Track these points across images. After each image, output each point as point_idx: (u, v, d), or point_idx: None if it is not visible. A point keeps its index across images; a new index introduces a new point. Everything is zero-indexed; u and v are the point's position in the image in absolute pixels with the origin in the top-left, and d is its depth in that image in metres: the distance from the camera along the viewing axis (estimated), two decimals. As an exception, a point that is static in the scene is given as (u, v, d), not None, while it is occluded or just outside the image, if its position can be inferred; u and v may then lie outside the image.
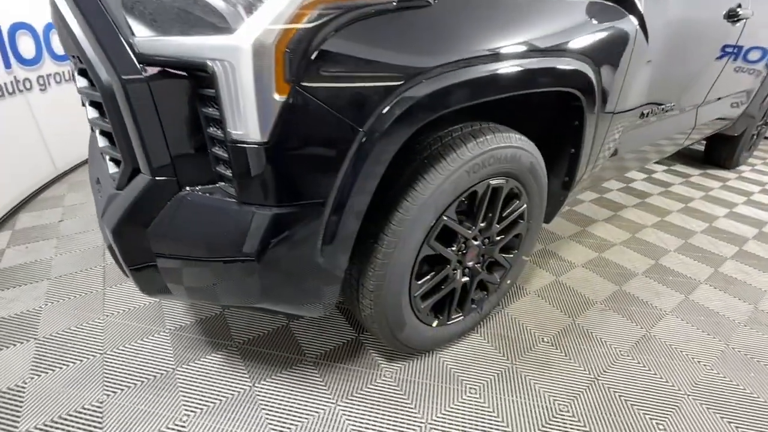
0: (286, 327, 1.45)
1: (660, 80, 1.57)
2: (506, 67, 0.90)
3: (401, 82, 0.77)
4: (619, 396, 1.25)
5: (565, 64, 1.06)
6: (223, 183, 0.83)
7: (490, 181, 1.12)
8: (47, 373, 1.24)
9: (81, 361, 1.28)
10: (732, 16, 1.78)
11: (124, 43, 0.74)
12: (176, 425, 1.10)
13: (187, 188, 0.85)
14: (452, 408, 1.18)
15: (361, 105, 0.75)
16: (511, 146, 1.10)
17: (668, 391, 1.27)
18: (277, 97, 0.69)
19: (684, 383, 1.30)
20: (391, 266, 1.01)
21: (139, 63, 0.73)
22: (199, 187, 0.84)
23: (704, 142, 3.44)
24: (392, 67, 0.76)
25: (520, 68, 0.94)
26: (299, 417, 1.13)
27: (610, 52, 1.21)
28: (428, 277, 1.15)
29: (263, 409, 1.15)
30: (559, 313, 1.58)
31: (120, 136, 0.82)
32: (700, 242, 2.18)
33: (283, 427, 1.10)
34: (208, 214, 0.82)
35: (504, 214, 1.27)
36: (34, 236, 1.97)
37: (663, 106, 1.74)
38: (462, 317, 1.35)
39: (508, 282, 1.46)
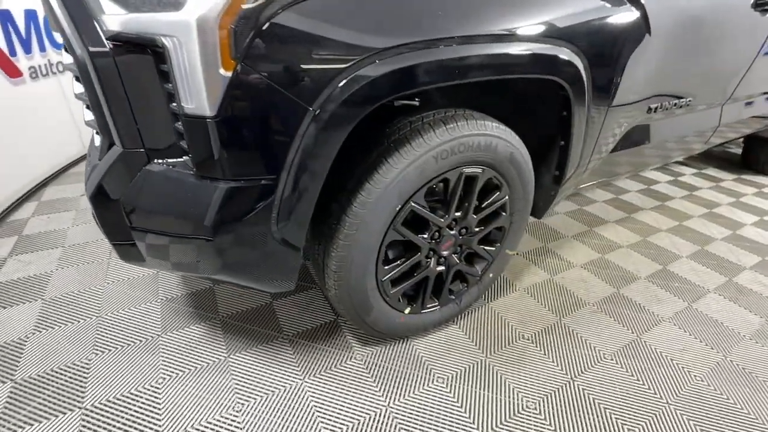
0: (269, 305, 1.50)
1: (670, 74, 1.48)
2: (471, 51, 0.89)
3: (352, 62, 0.78)
4: (594, 399, 1.20)
5: (545, 50, 1.02)
6: (186, 157, 0.88)
7: (464, 170, 1.11)
8: (47, 330, 1.35)
9: (78, 322, 1.39)
10: (762, 5, 1.64)
11: (95, 20, 0.79)
12: (151, 386, 1.17)
13: (156, 161, 0.90)
14: (416, 395, 1.19)
15: (309, 84, 0.76)
16: (486, 134, 1.08)
17: (649, 399, 1.21)
18: (223, 72, 0.71)
19: (667, 392, 1.24)
20: (354, 248, 1.02)
21: (107, 39, 0.77)
22: (168, 160, 0.89)
23: (742, 144, 3.20)
24: (343, 46, 0.77)
25: (488, 52, 0.92)
26: (266, 388, 1.17)
27: (602, 41, 1.15)
28: (397, 262, 1.16)
29: (234, 378, 1.20)
30: (546, 312, 1.54)
31: (96, 109, 0.87)
32: (719, 250, 2.04)
33: (250, 395, 1.15)
34: (170, 187, 0.87)
35: (483, 205, 1.25)
36: (56, 207, 2.13)
37: (676, 102, 1.63)
38: (438, 307, 1.35)
39: (491, 275, 1.43)
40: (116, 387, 1.16)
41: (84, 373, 1.20)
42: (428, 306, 1.32)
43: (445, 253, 1.24)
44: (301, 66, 0.75)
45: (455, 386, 1.22)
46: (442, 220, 1.16)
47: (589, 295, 1.65)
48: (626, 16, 1.19)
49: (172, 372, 1.22)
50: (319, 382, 1.21)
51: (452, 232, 1.23)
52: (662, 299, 1.65)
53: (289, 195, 0.85)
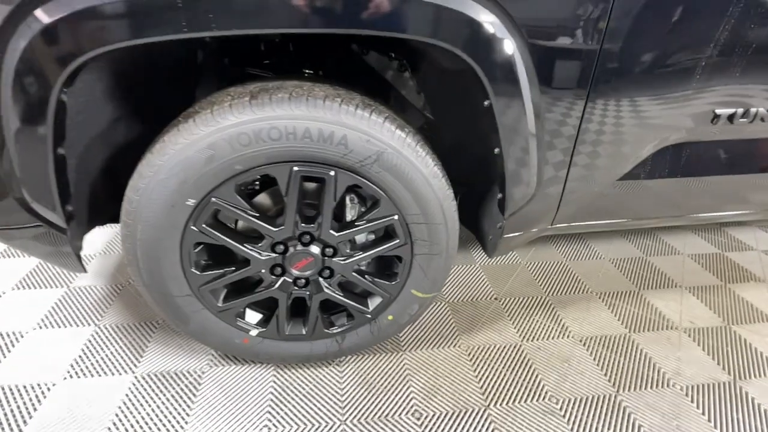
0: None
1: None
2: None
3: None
4: None
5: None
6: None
7: (295, 167, 0.79)
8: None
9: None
10: None
11: None
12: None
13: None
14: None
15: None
16: (319, 119, 0.74)
17: None
18: None
19: None
20: (138, 242, 0.83)
21: None
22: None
23: None
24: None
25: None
26: (98, 371, 1.09)
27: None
28: (218, 271, 0.92)
29: (93, 341, 1.15)
30: (476, 390, 1.08)
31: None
32: None
33: (76, 372, 1.08)
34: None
35: (356, 221, 0.90)
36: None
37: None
38: (309, 341, 1.06)
39: (390, 318, 1.06)
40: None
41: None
42: (291, 334, 1.05)
43: (296, 273, 0.95)
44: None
45: (274, 446, 0.94)
46: (276, 230, 0.87)
47: (561, 386, 1.10)
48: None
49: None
50: (146, 383, 1.07)
51: (313, 250, 0.93)
52: (688, 429, 1.00)
53: (10, 161, 0.71)
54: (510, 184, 0.88)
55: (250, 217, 0.85)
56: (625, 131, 0.86)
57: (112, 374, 1.09)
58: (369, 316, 1.04)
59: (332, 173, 0.81)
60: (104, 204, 0.96)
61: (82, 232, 0.90)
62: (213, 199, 0.81)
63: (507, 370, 1.15)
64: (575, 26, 0.71)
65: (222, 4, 0.59)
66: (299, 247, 0.92)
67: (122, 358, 1.14)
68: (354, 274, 0.97)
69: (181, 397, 1.04)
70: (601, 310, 1.39)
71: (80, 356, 1.13)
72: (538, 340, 1.25)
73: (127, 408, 1.01)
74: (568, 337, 1.27)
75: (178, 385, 1.07)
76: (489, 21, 0.67)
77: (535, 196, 0.92)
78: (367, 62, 1.16)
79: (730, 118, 0.90)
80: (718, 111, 0.89)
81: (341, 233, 0.90)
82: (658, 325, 1.33)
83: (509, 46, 0.70)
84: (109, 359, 1.13)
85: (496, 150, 0.84)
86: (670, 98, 0.83)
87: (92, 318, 1.27)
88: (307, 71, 1.01)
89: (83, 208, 0.89)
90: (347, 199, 0.95)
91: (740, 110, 0.90)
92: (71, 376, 1.08)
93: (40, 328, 1.22)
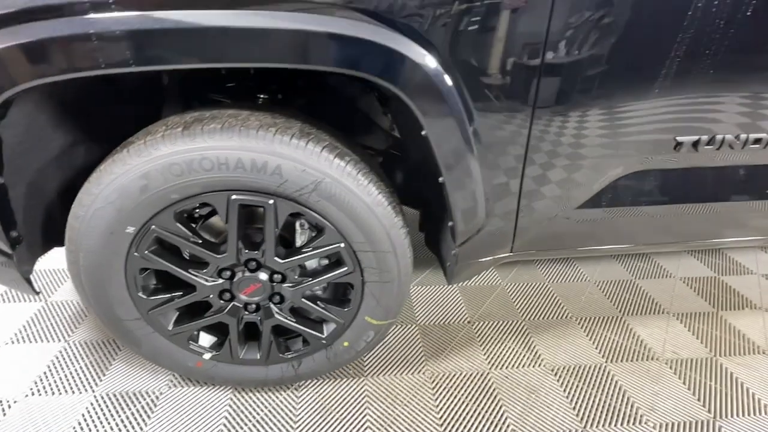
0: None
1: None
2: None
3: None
4: None
5: (294, 23, 0.61)
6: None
7: (233, 196, 0.79)
8: None
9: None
10: None
11: None
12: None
13: None
14: (171, 464, 0.94)
15: None
16: (253, 150, 0.74)
17: None
18: None
19: None
20: (81, 268, 0.84)
21: None
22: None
23: None
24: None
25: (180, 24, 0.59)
26: (60, 389, 1.10)
27: None
28: (167, 296, 0.92)
29: (60, 357, 1.17)
30: (433, 420, 1.05)
31: None
32: None
33: (38, 390, 1.09)
34: None
35: (302, 249, 0.89)
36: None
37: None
38: (264, 365, 1.05)
39: (345, 344, 1.04)
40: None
41: None
42: (245, 358, 1.04)
43: (245, 298, 0.94)
44: None
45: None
46: (219, 256, 0.87)
47: (524, 420, 1.06)
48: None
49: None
50: (104, 403, 1.07)
51: (261, 277, 0.92)
52: (661, 476, 0.95)
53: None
54: (457, 213, 0.85)
55: (192, 244, 0.85)
56: (576, 157, 0.82)
57: (73, 392, 1.10)
58: (324, 341, 1.03)
59: (271, 202, 0.81)
60: (63, 226, 0.98)
61: (34, 256, 0.92)
62: (153, 226, 0.81)
63: (470, 400, 1.11)
64: (511, 49, 0.69)
65: (134, 41, 0.59)
66: (246, 274, 0.92)
67: (85, 376, 1.15)
68: (304, 300, 0.96)
69: (135, 419, 1.04)
70: (578, 336, 1.33)
71: (45, 373, 1.15)
72: (507, 368, 1.21)
73: (81, 429, 1.01)
74: (539, 365, 1.22)
75: (135, 406, 1.07)
76: (414, 51, 0.65)
77: (487, 225, 0.89)
78: (333, 85, 1.15)
79: (695, 144, 0.85)
80: (680, 138, 0.84)
81: (286, 260, 0.89)
82: (639, 355, 1.26)
83: (440, 76, 0.67)
84: (72, 377, 1.14)
85: (441, 178, 0.82)
86: (623, 123, 0.79)
87: (63, 334, 1.29)
88: (262, 96, 1.02)
89: (36, 232, 0.91)
90: (297, 224, 0.95)
91: (705, 137, 0.85)
92: (33, 394, 1.09)
93: (12, 343, 1.25)
